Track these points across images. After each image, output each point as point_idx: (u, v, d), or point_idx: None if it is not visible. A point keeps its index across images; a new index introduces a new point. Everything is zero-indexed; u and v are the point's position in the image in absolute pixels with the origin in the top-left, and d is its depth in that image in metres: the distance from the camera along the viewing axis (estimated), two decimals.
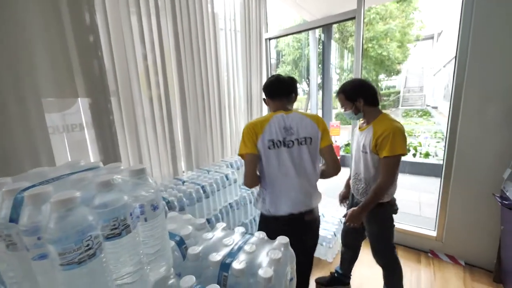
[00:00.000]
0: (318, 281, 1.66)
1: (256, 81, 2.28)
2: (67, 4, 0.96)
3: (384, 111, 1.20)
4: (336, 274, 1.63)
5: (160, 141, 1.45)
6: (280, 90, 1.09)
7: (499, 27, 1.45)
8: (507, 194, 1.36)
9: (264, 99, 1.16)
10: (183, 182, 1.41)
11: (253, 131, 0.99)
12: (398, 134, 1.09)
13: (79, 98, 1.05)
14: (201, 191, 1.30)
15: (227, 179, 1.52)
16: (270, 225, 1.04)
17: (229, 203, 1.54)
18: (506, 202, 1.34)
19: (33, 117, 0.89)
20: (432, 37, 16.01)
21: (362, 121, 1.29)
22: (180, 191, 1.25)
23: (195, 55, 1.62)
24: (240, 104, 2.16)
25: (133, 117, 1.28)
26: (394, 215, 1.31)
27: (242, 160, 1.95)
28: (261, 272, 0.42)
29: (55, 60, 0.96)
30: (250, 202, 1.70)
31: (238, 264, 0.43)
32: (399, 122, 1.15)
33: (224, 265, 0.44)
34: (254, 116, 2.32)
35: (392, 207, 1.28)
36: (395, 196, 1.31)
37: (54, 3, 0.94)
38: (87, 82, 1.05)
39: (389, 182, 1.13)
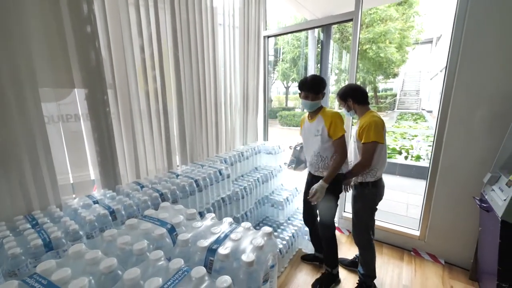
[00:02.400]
0: (303, 258, 1.93)
1: (253, 78, 2.30)
2: None
3: (379, 113, 1.49)
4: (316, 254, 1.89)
5: (155, 134, 1.47)
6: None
7: (489, 37, 1.50)
8: (486, 197, 1.43)
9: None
10: (177, 175, 1.44)
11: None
12: (374, 126, 1.35)
13: (75, 89, 1.06)
14: (194, 185, 1.34)
15: (220, 174, 1.55)
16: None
17: (222, 198, 1.58)
18: (484, 205, 1.42)
19: (30, 106, 0.91)
20: (431, 41, 16.15)
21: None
22: (174, 184, 1.28)
23: (192, 49, 1.64)
24: (236, 101, 2.19)
25: (129, 109, 1.30)
26: (378, 203, 1.54)
27: (237, 156, 2.01)
28: (243, 257, 0.46)
29: (53, 50, 0.97)
30: (242, 198, 1.75)
31: (223, 249, 0.47)
32: (379, 117, 1.41)
33: (211, 251, 0.48)
34: (249, 114, 2.35)
35: (376, 189, 1.49)
36: (384, 198, 1.55)
37: None
38: (84, 73, 1.06)
39: (364, 162, 1.40)
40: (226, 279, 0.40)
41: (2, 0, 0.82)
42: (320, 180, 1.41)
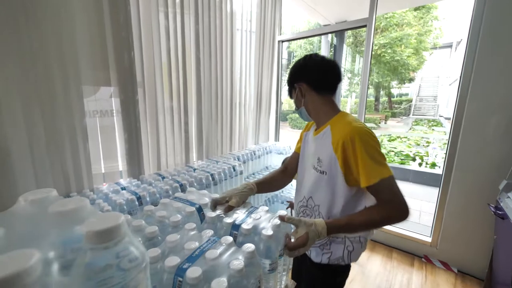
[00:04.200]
0: None
1: (267, 81, 2.39)
2: (108, 2, 1.10)
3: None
4: None
5: (176, 130, 1.58)
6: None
7: (504, 44, 1.50)
8: (501, 204, 1.41)
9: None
10: (194, 169, 1.54)
11: None
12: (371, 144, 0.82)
13: (111, 87, 1.19)
14: (210, 178, 1.43)
15: (234, 170, 1.64)
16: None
17: None
18: (500, 212, 1.40)
19: (74, 100, 1.03)
20: (450, 46, 15.64)
21: None
22: (192, 176, 1.37)
23: (212, 53, 1.75)
24: (250, 103, 2.28)
25: (155, 107, 1.41)
26: None
27: (249, 154, 2.10)
28: (264, 231, 0.53)
29: (94, 52, 1.10)
30: (253, 194, 1.81)
31: (246, 225, 0.54)
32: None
33: (235, 226, 0.55)
34: (262, 115, 2.43)
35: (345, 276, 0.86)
36: None
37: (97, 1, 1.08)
38: (119, 73, 1.19)
39: (401, 206, 0.71)
40: (250, 245, 0.47)
41: (56, 7, 0.95)
42: (321, 220, 0.66)
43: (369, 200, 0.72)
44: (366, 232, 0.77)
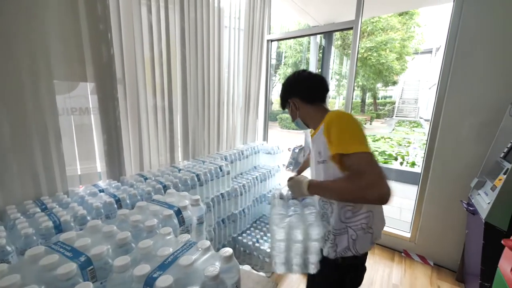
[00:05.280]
0: None
1: (255, 81, 2.37)
2: None
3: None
4: None
5: (160, 129, 1.53)
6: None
7: (479, 53, 1.59)
8: (472, 201, 1.50)
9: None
10: (179, 170, 1.49)
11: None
12: (348, 125, 0.92)
13: (87, 83, 1.12)
14: (196, 179, 1.39)
15: (221, 170, 1.61)
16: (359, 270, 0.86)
17: (221, 193, 1.63)
18: (471, 208, 1.49)
19: (44, 96, 0.96)
20: (430, 51, 16.43)
21: None
22: (176, 177, 1.33)
23: (199, 49, 1.70)
24: (238, 102, 2.25)
25: (137, 105, 1.35)
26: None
27: (237, 154, 2.08)
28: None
29: (68, 45, 1.03)
30: (241, 195, 1.80)
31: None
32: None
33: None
34: (250, 114, 2.42)
35: (356, 272, 0.87)
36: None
37: None
38: (96, 68, 1.12)
39: (370, 179, 0.74)
40: (228, 249, 0.45)
41: None
42: (302, 176, 0.85)
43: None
44: (367, 219, 0.77)
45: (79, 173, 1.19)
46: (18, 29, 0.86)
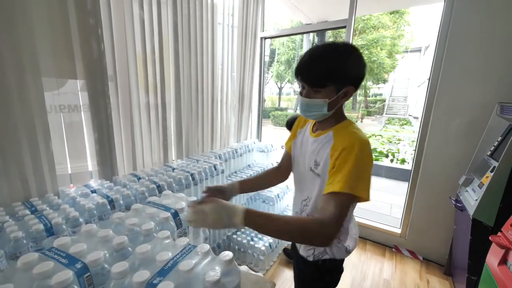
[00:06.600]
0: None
1: (249, 78, 2.36)
2: None
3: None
4: None
5: (153, 128, 1.50)
6: None
7: (468, 53, 1.64)
8: (460, 197, 1.56)
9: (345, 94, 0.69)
10: (173, 169, 1.47)
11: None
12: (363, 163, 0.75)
13: (77, 80, 1.08)
14: (190, 178, 1.38)
15: (215, 169, 1.60)
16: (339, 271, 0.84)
17: None
18: (459, 205, 1.54)
19: (32, 94, 0.92)
20: (419, 50, 16.81)
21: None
22: (170, 176, 1.31)
23: (192, 46, 1.67)
24: (232, 99, 2.23)
25: (129, 102, 1.32)
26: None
27: (231, 153, 2.07)
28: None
29: (56, 40, 0.98)
30: (236, 194, 1.80)
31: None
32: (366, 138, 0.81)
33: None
34: (244, 112, 2.40)
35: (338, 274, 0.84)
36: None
37: None
38: (86, 64, 1.08)
39: (330, 227, 0.65)
40: (228, 253, 0.45)
41: None
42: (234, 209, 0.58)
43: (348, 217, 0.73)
44: (340, 235, 0.74)
45: (69, 172, 1.15)
46: (2, 22, 0.82)
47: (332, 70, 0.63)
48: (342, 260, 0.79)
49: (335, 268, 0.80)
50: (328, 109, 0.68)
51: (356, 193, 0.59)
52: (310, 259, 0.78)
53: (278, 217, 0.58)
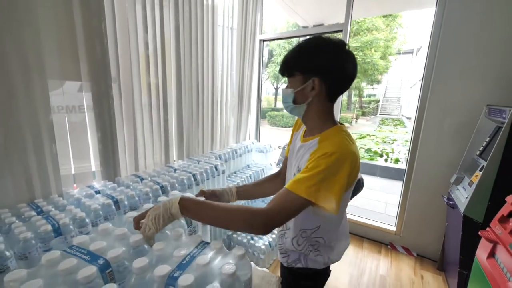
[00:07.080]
0: None
1: (247, 80, 2.39)
2: None
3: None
4: None
5: (155, 128, 1.51)
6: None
7: (459, 55, 1.71)
8: (452, 195, 1.63)
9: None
10: (175, 169, 1.49)
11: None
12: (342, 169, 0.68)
13: (82, 82, 1.09)
14: (192, 179, 1.40)
15: (216, 169, 1.62)
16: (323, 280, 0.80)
17: None
18: (451, 202, 1.61)
19: (37, 95, 0.92)
20: (412, 52, 17.19)
21: None
22: (173, 177, 1.33)
23: (193, 47, 1.69)
24: (232, 100, 2.26)
25: (132, 103, 1.33)
26: None
27: (231, 153, 2.10)
28: None
29: (62, 42, 0.99)
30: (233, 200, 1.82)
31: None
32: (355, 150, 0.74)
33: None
34: (243, 113, 2.43)
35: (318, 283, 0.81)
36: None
37: None
38: (91, 66, 1.09)
39: (266, 217, 0.61)
40: (240, 248, 0.48)
41: None
42: (171, 200, 0.58)
43: (325, 220, 0.69)
44: (326, 235, 0.70)
45: (73, 172, 1.16)
46: (9, 25, 0.82)
47: (297, 57, 0.63)
48: (319, 269, 0.74)
49: (311, 276, 0.76)
50: (296, 101, 0.65)
51: (311, 199, 0.54)
52: (285, 265, 0.78)
53: (217, 205, 0.56)
